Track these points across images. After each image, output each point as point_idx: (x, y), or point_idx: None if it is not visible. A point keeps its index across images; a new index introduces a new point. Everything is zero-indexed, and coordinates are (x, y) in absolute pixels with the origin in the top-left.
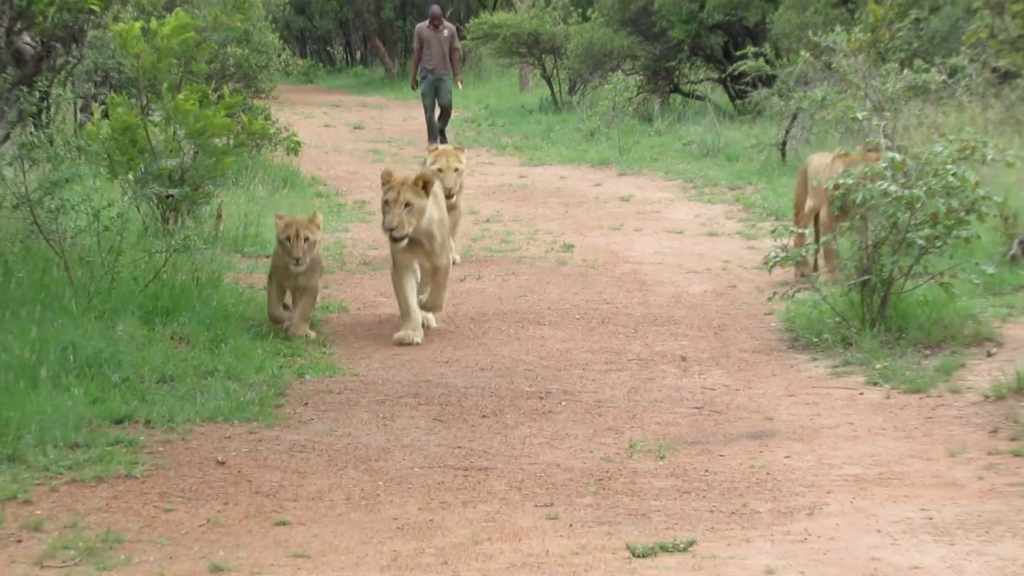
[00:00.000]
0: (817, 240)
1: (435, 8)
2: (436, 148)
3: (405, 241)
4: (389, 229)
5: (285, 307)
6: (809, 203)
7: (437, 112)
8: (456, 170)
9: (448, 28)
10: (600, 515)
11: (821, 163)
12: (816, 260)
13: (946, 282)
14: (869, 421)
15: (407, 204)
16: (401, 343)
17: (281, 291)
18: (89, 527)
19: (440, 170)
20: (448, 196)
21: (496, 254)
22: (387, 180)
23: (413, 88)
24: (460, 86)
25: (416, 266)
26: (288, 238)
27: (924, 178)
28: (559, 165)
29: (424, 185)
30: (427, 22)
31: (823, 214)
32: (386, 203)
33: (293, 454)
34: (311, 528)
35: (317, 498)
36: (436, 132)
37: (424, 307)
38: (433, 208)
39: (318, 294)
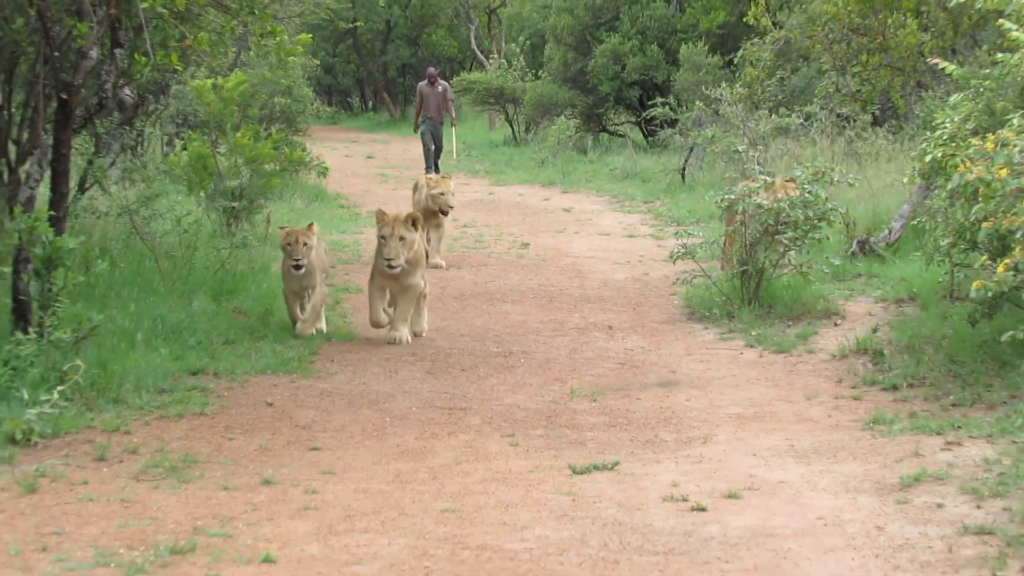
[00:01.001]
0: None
1: (431, 69)
2: (432, 177)
3: (399, 269)
4: (387, 259)
5: (300, 308)
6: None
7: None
8: (452, 193)
9: (442, 84)
10: (549, 443)
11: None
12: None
13: (804, 271)
14: (747, 373)
15: (401, 238)
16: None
17: (295, 297)
18: (172, 451)
19: (441, 194)
20: (444, 213)
21: (471, 251)
22: (381, 218)
23: (415, 131)
24: (454, 130)
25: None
26: (289, 244)
27: (788, 195)
28: (518, 185)
29: (414, 222)
30: (426, 81)
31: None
32: (383, 238)
33: (323, 397)
34: (336, 452)
35: (340, 430)
36: (431, 164)
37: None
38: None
39: (325, 294)
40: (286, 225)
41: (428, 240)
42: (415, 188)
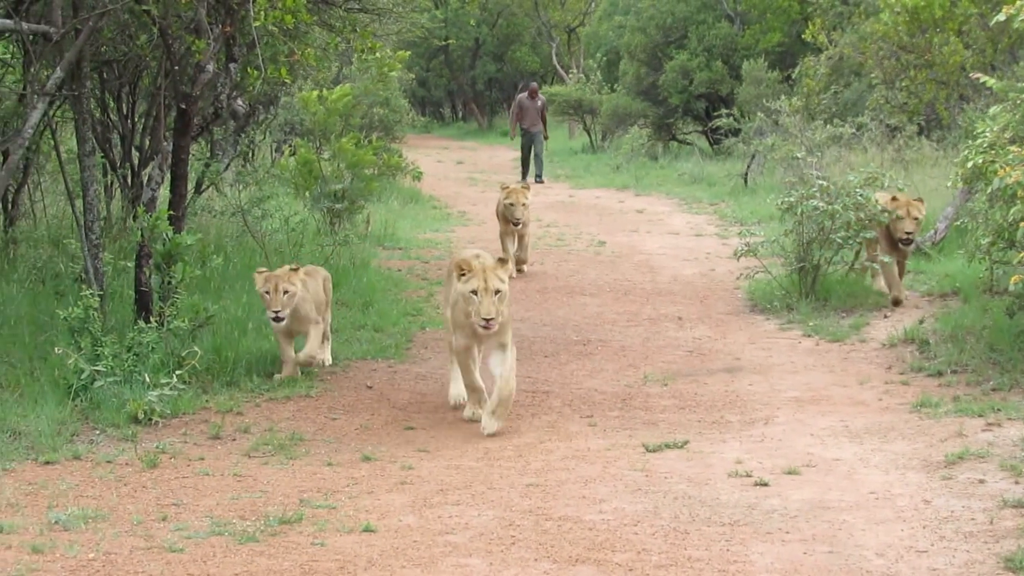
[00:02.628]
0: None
1: (533, 84)
2: (508, 187)
3: (496, 327)
4: (487, 319)
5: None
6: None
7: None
8: (524, 204)
9: (541, 99)
10: (624, 423)
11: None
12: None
13: (856, 268)
14: (804, 361)
15: (497, 291)
16: (472, 419)
17: (287, 337)
18: (281, 430)
19: (511, 204)
20: (515, 224)
21: (553, 248)
22: (467, 268)
23: (511, 138)
24: (545, 139)
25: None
26: (267, 292)
27: (841, 198)
28: (595, 188)
29: (504, 267)
30: (526, 94)
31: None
32: (474, 292)
33: (417, 381)
34: (430, 431)
35: (434, 411)
36: (527, 172)
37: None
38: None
39: (321, 329)
40: (264, 269)
41: (509, 246)
42: (499, 201)
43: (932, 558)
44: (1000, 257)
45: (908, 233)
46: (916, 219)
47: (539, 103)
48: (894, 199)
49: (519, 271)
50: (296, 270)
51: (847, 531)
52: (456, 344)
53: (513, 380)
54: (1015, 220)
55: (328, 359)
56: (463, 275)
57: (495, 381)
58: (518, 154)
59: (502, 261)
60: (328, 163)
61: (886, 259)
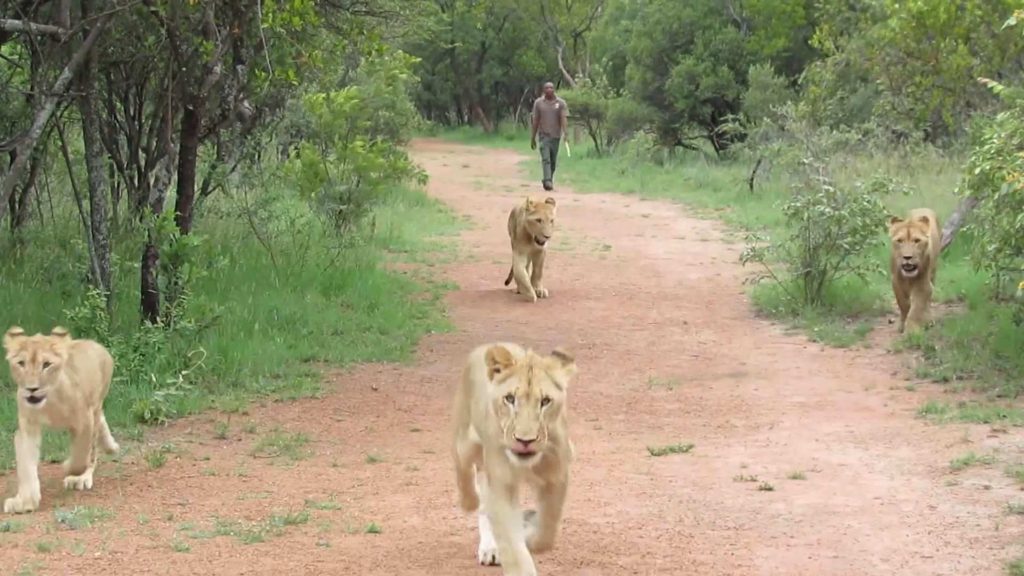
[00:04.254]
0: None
1: (548, 84)
2: (533, 200)
3: (539, 457)
4: (525, 442)
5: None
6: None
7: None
8: (552, 221)
9: (559, 102)
10: (629, 427)
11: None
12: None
13: (861, 273)
14: (810, 366)
15: (546, 400)
16: None
17: (33, 431)
18: (286, 431)
19: (539, 220)
20: (540, 243)
21: (558, 252)
22: (503, 362)
23: (532, 147)
24: (567, 144)
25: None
26: (22, 362)
27: (848, 203)
28: (600, 193)
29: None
30: (543, 97)
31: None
32: (509, 397)
33: (423, 383)
34: (435, 433)
35: (439, 413)
36: (549, 176)
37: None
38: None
39: (92, 432)
40: (18, 330)
41: (529, 267)
42: (512, 215)
43: (937, 564)
44: (1007, 264)
45: (907, 258)
46: (917, 241)
47: (556, 106)
48: (893, 220)
49: (539, 295)
50: (64, 335)
51: (852, 536)
52: (491, 478)
53: (554, 532)
54: (1022, 226)
55: (90, 480)
56: (497, 371)
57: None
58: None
59: (561, 357)
60: (334, 165)
61: (896, 284)
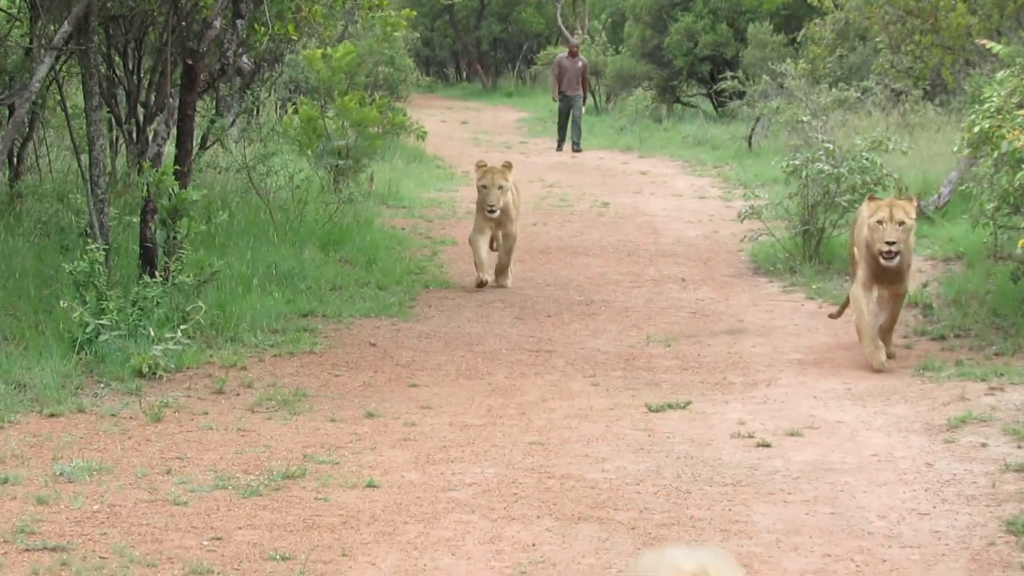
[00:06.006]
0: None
1: (573, 41)
2: (484, 165)
3: (498, 213)
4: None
5: None
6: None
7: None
8: (500, 187)
9: (581, 60)
10: (627, 383)
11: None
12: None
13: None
14: (808, 323)
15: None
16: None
17: None
18: (284, 386)
19: (484, 187)
20: (490, 211)
21: (556, 208)
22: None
23: (554, 100)
24: (584, 105)
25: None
26: (485, 186)
27: (847, 161)
28: (599, 150)
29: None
30: (565, 53)
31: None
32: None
33: (421, 339)
34: (433, 389)
35: (437, 369)
36: (563, 139)
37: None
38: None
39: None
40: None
41: (481, 246)
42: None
43: (934, 521)
44: (1005, 222)
45: (890, 243)
46: (902, 224)
47: (579, 64)
48: (871, 199)
49: (499, 284)
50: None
51: (849, 493)
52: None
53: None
54: (1021, 184)
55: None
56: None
57: None
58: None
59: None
60: (332, 121)
61: (859, 293)
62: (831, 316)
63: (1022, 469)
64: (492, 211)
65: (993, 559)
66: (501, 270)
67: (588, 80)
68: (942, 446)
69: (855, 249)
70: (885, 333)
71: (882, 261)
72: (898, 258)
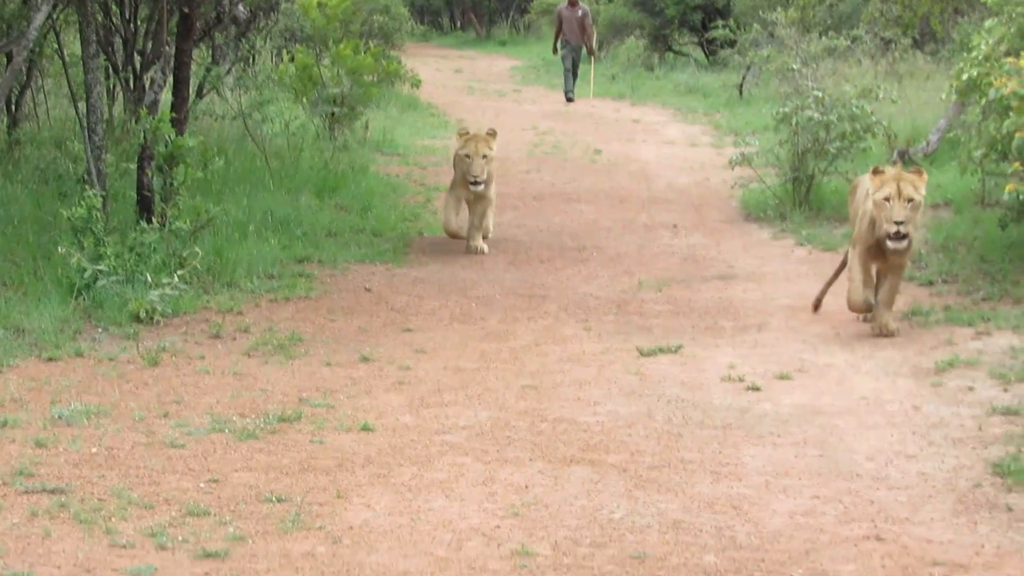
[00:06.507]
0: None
1: None
2: (467, 133)
3: (483, 186)
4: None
5: None
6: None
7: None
8: (484, 156)
9: (582, 8)
10: (619, 328)
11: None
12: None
13: (849, 178)
14: (797, 269)
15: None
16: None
17: None
18: (280, 330)
19: (467, 156)
20: (473, 184)
21: (549, 155)
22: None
23: (554, 53)
24: (592, 57)
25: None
26: (468, 155)
27: (836, 109)
28: (592, 98)
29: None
30: (565, 3)
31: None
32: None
33: (415, 284)
34: (427, 333)
35: (431, 314)
36: (570, 88)
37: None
38: None
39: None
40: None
41: (452, 214)
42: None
43: (921, 463)
44: (993, 169)
45: (899, 223)
46: (911, 201)
47: (579, 13)
48: (875, 172)
49: (476, 249)
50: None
51: (838, 435)
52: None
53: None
54: (1009, 131)
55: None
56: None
57: None
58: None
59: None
60: (327, 69)
61: (856, 269)
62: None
63: (1008, 412)
64: (476, 184)
65: (979, 500)
66: (476, 234)
67: (591, 28)
68: (929, 389)
69: (855, 221)
70: (884, 307)
71: (889, 244)
72: (907, 240)
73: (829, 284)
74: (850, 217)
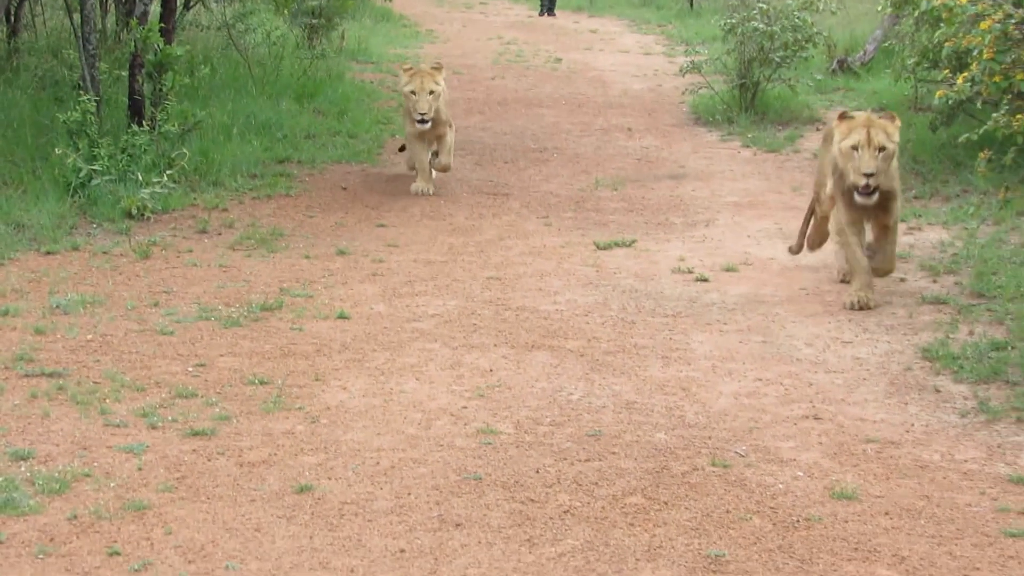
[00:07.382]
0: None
1: None
2: (411, 68)
3: (431, 123)
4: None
5: None
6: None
7: None
8: (431, 92)
9: None
10: (577, 223)
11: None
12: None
13: (792, 84)
14: (743, 169)
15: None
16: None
17: None
18: (262, 226)
19: (413, 92)
20: (421, 122)
21: (513, 63)
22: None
23: None
24: None
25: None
26: (413, 91)
27: (780, 20)
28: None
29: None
30: None
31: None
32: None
33: (388, 183)
34: (399, 229)
35: (402, 210)
36: (545, 6)
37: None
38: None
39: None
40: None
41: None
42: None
43: (856, 348)
44: (924, 76)
45: (868, 176)
46: (883, 150)
47: None
48: (842, 117)
49: (417, 190)
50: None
51: (779, 323)
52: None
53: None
54: (939, 41)
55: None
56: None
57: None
58: None
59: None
60: None
61: (846, 233)
62: (791, 250)
63: (937, 301)
64: (423, 121)
65: (910, 382)
66: (441, 166)
67: None
68: None
69: (824, 180)
70: (879, 276)
71: (857, 198)
72: (877, 194)
73: (804, 230)
74: (818, 168)
